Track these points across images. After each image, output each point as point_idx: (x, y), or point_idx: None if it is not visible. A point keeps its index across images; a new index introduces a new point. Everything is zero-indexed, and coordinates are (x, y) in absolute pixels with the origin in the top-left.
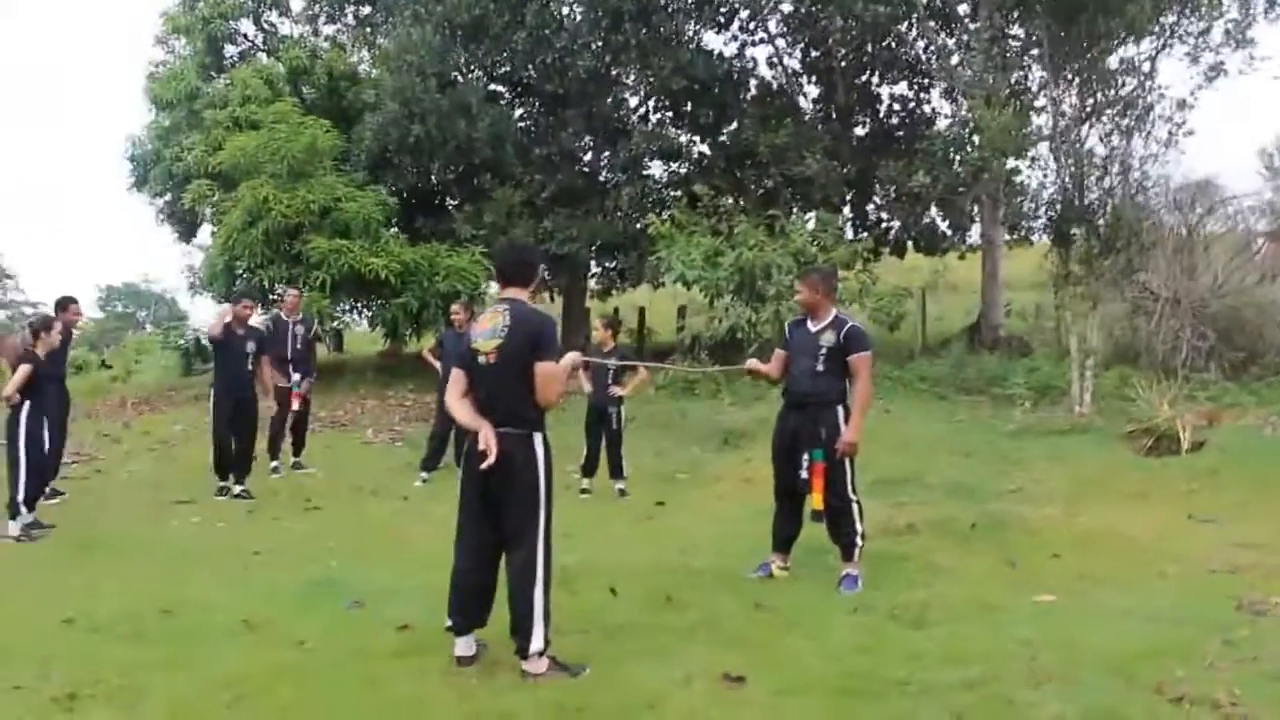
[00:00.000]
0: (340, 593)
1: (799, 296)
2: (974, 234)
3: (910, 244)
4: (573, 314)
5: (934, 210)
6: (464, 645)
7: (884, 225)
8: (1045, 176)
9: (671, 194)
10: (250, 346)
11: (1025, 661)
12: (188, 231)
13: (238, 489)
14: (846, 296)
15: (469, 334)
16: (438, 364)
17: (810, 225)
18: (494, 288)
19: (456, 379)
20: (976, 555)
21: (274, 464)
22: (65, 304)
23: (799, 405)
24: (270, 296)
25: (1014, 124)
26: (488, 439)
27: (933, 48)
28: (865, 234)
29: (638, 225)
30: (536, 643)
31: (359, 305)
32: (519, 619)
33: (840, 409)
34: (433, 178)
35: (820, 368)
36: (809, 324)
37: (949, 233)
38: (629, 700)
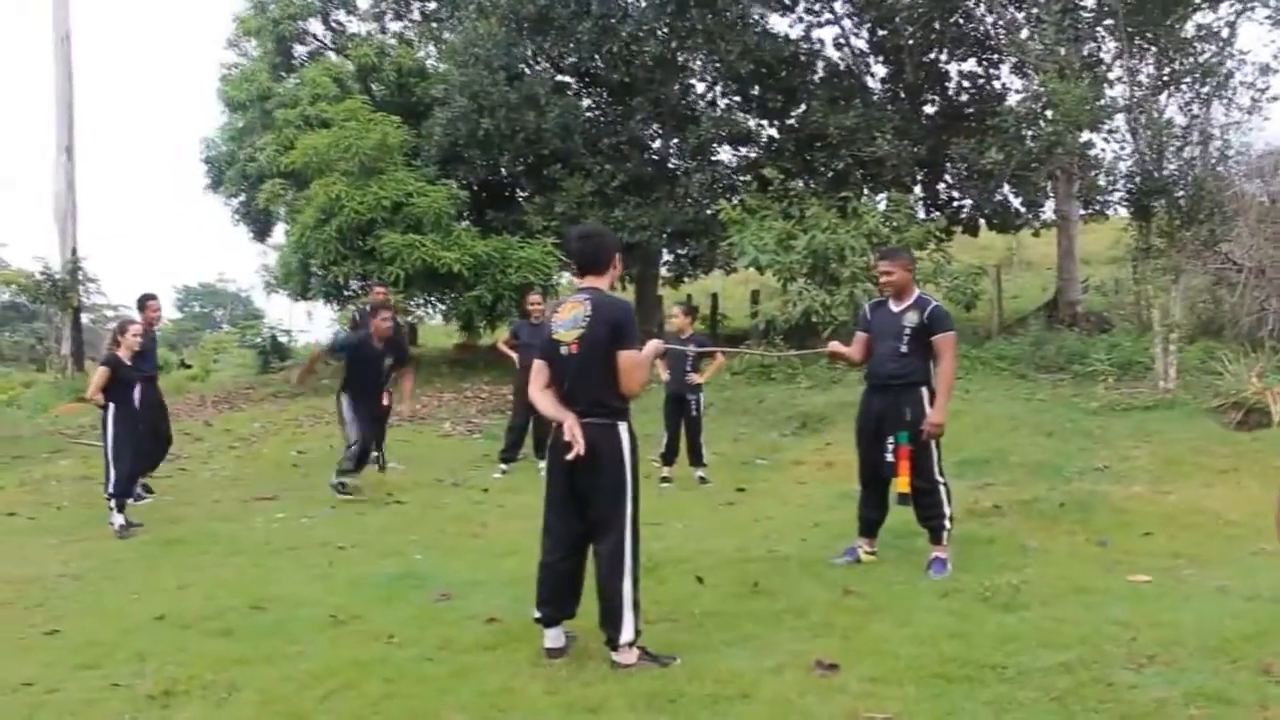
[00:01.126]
0: (425, 585)
1: (889, 278)
2: (1048, 210)
3: (983, 222)
4: (645, 302)
5: (1006, 187)
6: (553, 637)
7: (955, 204)
8: (1122, 149)
9: (741, 179)
10: (388, 361)
11: (1124, 643)
12: (262, 231)
13: (542, 465)
14: (921, 277)
15: (549, 324)
16: (514, 355)
17: (882, 206)
18: (566, 278)
19: (539, 370)
20: (1065, 535)
21: None
22: (144, 302)
23: (882, 388)
24: (345, 293)
25: (1089, 95)
26: (573, 430)
27: (1001, 22)
28: (937, 213)
29: (708, 211)
30: (627, 633)
31: (433, 299)
32: (608, 610)
33: (924, 390)
34: (502, 170)
35: (904, 349)
36: (891, 305)
37: (1023, 209)
38: (721, 690)
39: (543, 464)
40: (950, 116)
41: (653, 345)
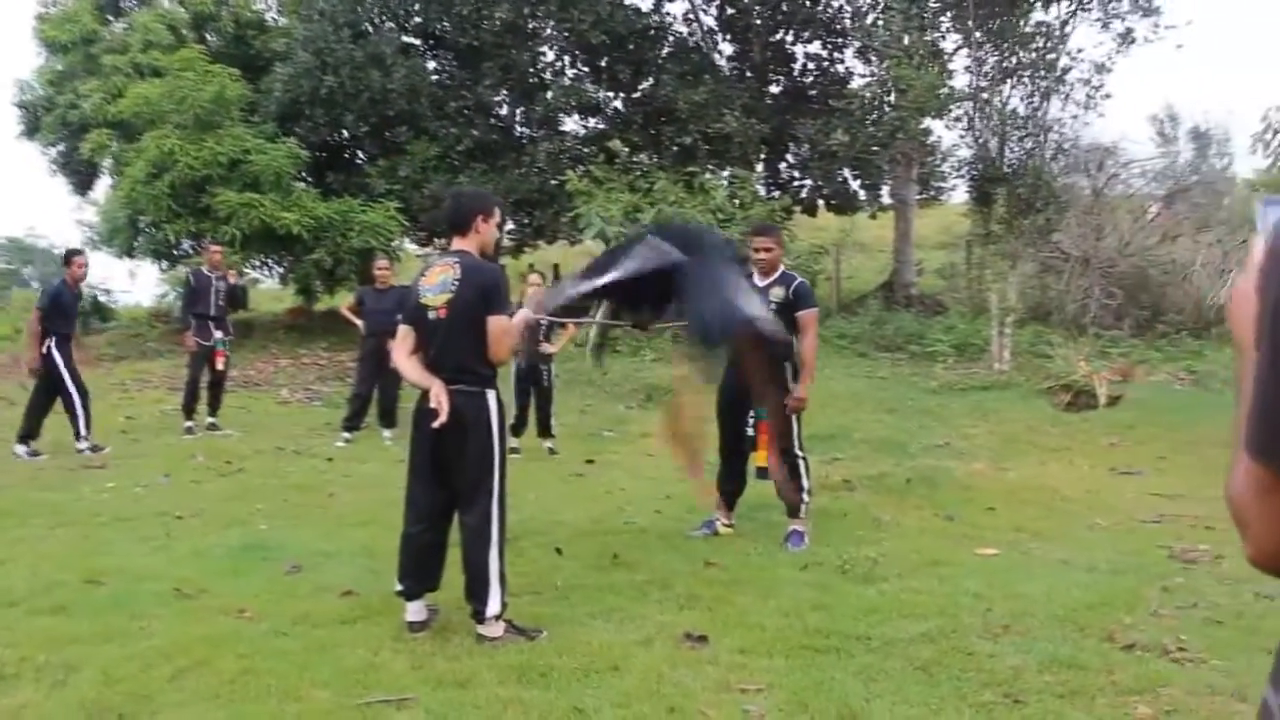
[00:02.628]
0: (274, 557)
1: (768, 254)
2: (885, 194)
3: (822, 203)
4: None
5: (847, 170)
6: (415, 610)
7: (797, 184)
8: (963, 137)
9: (588, 150)
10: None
11: (979, 614)
12: (84, 183)
13: (387, 434)
14: None
15: (416, 288)
16: (358, 321)
17: (725, 183)
18: (409, 243)
19: (404, 335)
20: (914, 510)
21: (188, 425)
22: (70, 257)
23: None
24: (175, 253)
25: (937, 83)
26: (439, 397)
27: (849, 7)
28: (779, 192)
29: (554, 181)
30: (493, 606)
31: (270, 261)
32: (473, 582)
33: (787, 365)
34: (344, 131)
35: None
36: (755, 279)
37: (862, 192)
38: (591, 663)
39: (387, 434)
40: (795, 97)
41: (523, 313)
